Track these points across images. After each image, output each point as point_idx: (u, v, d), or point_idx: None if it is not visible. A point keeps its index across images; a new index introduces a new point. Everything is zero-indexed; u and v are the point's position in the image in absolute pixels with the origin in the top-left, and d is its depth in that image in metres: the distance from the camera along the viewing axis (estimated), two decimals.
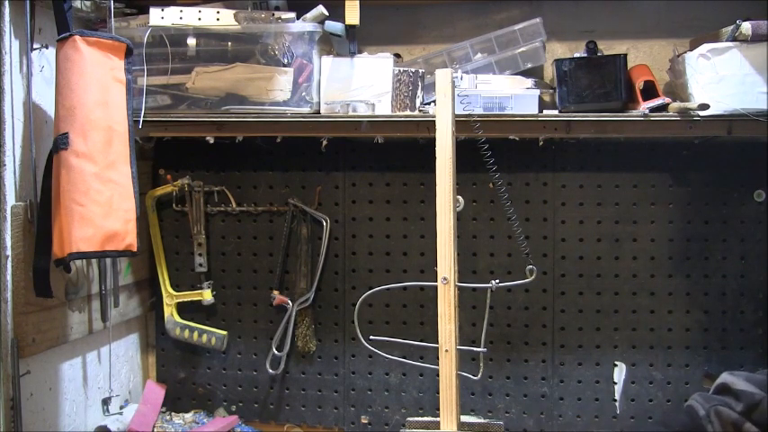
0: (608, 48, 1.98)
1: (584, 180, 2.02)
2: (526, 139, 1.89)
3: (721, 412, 0.84)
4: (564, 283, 2.03)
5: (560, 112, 1.81)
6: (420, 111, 1.85)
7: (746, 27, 1.67)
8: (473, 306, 2.03)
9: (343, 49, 1.90)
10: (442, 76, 1.56)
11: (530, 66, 1.90)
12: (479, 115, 1.75)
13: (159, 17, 1.81)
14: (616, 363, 2.02)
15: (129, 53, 1.61)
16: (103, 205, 1.51)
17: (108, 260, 1.89)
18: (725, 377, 0.93)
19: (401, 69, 1.85)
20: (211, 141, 1.92)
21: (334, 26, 1.81)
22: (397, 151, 2.05)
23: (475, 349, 1.66)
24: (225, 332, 2.11)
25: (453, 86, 1.55)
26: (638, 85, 1.80)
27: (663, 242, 2.00)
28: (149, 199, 2.10)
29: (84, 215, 1.48)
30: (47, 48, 1.67)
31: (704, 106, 1.69)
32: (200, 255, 2.11)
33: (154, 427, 2.03)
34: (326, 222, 2.08)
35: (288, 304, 2.09)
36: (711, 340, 2.00)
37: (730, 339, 2.00)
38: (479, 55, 1.90)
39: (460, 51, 1.91)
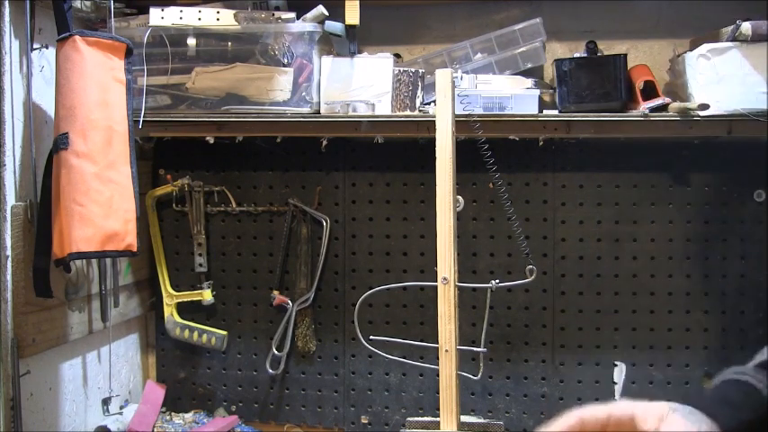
0: (608, 48, 1.98)
1: (584, 180, 2.02)
2: (526, 139, 1.89)
3: None
4: (564, 283, 2.03)
5: (560, 112, 1.81)
6: (420, 111, 1.85)
7: (746, 27, 1.67)
8: (473, 306, 2.03)
9: (343, 49, 1.90)
10: (442, 76, 1.56)
11: (530, 66, 1.89)
12: (479, 115, 1.75)
13: (159, 17, 1.81)
14: (616, 363, 2.02)
15: (129, 53, 1.61)
16: (103, 205, 1.51)
17: (108, 260, 1.89)
18: None
19: (401, 69, 1.85)
20: (211, 141, 1.92)
21: (334, 26, 1.81)
22: (397, 151, 2.05)
23: (475, 349, 1.66)
24: (225, 332, 2.11)
25: (453, 86, 1.55)
26: (638, 85, 1.80)
27: (663, 242, 2.00)
28: (149, 199, 2.10)
29: (84, 215, 1.48)
30: (47, 48, 1.67)
31: (704, 106, 1.68)
32: (200, 255, 2.11)
33: (154, 427, 2.03)
34: (326, 222, 2.08)
35: (288, 304, 2.09)
36: (711, 340, 2.00)
37: (730, 339, 2.00)
38: (479, 55, 1.90)
39: (460, 51, 1.91)
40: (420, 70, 1.85)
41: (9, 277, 1.56)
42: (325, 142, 1.93)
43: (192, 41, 1.84)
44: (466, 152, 1.68)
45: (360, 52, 1.92)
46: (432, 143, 1.55)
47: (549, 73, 1.99)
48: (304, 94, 1.83)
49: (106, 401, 1.96)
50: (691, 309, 2.00)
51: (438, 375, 1.52)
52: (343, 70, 1.85)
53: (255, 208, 2.11)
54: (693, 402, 0.80)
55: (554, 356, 2.04)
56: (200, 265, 2.11)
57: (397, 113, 1.84)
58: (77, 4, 1.73)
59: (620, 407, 0.81)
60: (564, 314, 2.03)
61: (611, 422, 0.80)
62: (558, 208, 2.03)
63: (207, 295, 2.10)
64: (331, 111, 1.84)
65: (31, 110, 1.61)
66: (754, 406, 0.81)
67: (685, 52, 1.78)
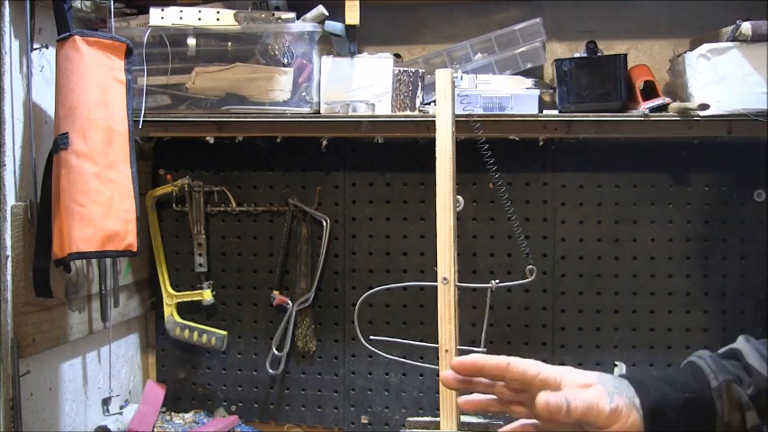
0: (608, 48, 1.98)
1: (584, 180, 2.01)
2: (526, 139, 1.89)
3: (733, 391, 0.82)
4: (564, 283, 2.03)
5: (560, 112, 1.81)
6: (420, 111, 1.85)
7: (746, 27, 1.66)
8: (473, 306, 2.03)
9: (343, 49, 1.90)
10: (442, 76, 1.55)
11: (530, 66, 1.89)
12: (479, 115, 1.75)
13: (159, 17, 1.81)
14: (616, 363, 2.02)
15: (129, 53, 1.61)
16: (103, 205, 1.51)
17: (108, 260, 1.89)
18: (741, 343, 0.91)
19: (401, 69, 1.85)
20: (211, 141, 1.92)
21: (334, 26, 1.81)
22: (397, 151, 2.04)
23: (475, 349, 1.66)
24: (225, 332, 2.11)
25: (453, 86, 1.55)
26: (638, 85, 1.80)
27: (663, 242, 2.00)
28: (149, 199, 2.10)
29: (84, 215, 1.48)
30: (47, 48, 1.67)
31: (704, 106, 1.68)
32: (200, 255, 2.11)
33: (154, 427, 2.03)
34: (326, 222, 2.08)
35: (288, 304, 2.09)
36: (711, 340, 2.00)
37: (730, 339, 1.97)
38: (479, 55, 1.90)
39: (460, 51, 1.91)
40: (420, 70, 1.85)
41: (9, 277, 1.56)
42: (325, 142, 1.93)
43: (191, 41, 1.84)
44: (466, 152, 1.68)
45: (360, 52, 1.92)
46: (432, 143, 1.55)
47: (549, 73, 1.99)
48: (304, 94, 1.83)
49: (106, 401, 1.96)
50: (691, 309, 2.00)
51: (438, 375, 1.52)
52: (343, 70, 1.85)
53: (255, 208, 2.11)
54: (644, 376, 0.84)
55: (554, 356, 2.04)
56: (201, 265, 2.11)
57: (397, 113, 1.84)
58: (77, 4, 1.74)
59: (551, 369, 0.82)
60: (564, 314, 2.03)
61: (538, 380, 0.81)
62: (558, 208, 2.03)
63: (207, 295, 2.10)
64: (331, 111, 1.84)
65: (31, 110, 1.61)
66: (691, 389, 0.83)
67: (685, 52, 1.78)
